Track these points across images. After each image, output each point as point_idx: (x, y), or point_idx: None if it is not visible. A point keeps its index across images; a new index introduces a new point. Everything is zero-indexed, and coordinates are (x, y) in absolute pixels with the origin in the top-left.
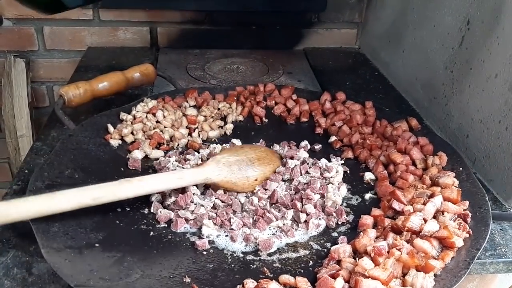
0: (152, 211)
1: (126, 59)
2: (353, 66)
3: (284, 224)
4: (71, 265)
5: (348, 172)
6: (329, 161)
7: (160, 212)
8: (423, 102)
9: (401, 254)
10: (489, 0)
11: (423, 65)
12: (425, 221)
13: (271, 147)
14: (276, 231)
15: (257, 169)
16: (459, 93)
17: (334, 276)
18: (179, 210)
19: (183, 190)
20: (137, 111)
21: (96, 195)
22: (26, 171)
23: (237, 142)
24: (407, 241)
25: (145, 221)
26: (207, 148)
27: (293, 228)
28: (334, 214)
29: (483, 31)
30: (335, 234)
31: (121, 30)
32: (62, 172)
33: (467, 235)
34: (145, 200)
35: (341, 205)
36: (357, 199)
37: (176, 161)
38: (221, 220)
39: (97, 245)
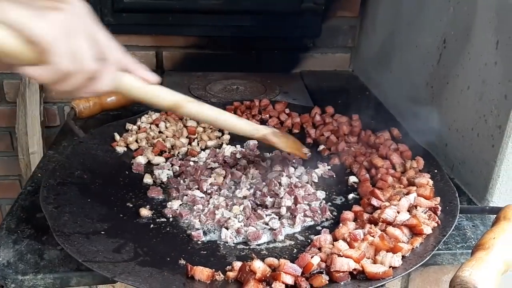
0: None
1: None
2: (345, 86)
3: (273, 220)
4: (79, 246)
5: (334, 176)
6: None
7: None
8: (407, 116)
9: (374, 238)
10: (462, 20)
11: (407, 82)
12: (399, 213)
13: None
14: (264, 229)
15: (291, 138)
16: (438, 106)
17: (312, 256)
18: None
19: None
20: (142, 122)
21: (188, 99)
22: (39, 175)
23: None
24: (382, 230)
25: (146, 215)
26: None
27: (282, 226)
28: (319, 211)
29: (456, 48)
30: (319, 228)
31: (129, 54)
32: (73, 173)
33: (436, 225)
34: (147, 198)
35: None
36: (341, 199)
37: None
38: (218, 218)
39: (102, 232)
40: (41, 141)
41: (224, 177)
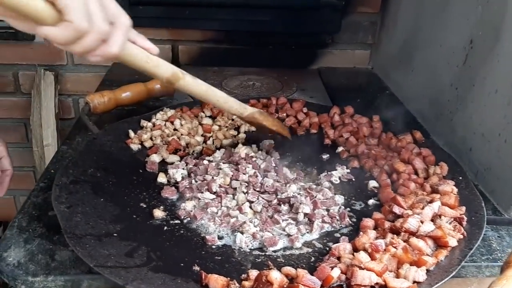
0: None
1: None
2: (364, 85)
3: (290, 225)
4: (91, 249)
5: (353, 180)
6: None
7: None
8: (429, 118)
9: (397, 250)
10: (490, 21)
11: (430, 83)
12: (422, 223)
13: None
14: (281, 235)
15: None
16: (463, 109)
17: (332, 268)
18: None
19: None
20: (157, 119)
21: (184, 72)
22: (52, 170)
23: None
24: (404, 241)
25: (159, 216)
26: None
27: (299, 235)
28: (337, 217)
29: (484, 49)
30: (337, 235)
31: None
32: (86, 170)
33: (462, 237)
34: (161, 199)
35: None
36: (360, 205)
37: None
38: (233, 222)
39: (115, 234)
40: (55, 134)
41: (235, 179)
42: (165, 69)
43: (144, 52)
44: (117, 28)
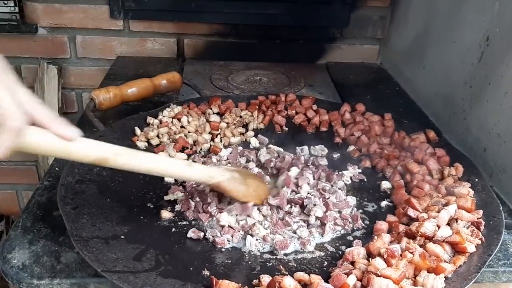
0: (207, 236)
1: (153, 68)
2: (374, 80)
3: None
4: (98, 253)
5: (365, 180)
6: (347, 169)
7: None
8: (442, 116)
9: (413, 256)
10: (509, 16)
11: (443, 80)
12: (439, 227)
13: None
14: (292, 238)
15: (255, 182)
16: (478, 108)
17: (347, 274)
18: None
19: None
20: (164, 116)
21: (117, 151)
22: (56, 168)
23: (254, 141)
24: (420, 246)
25: (167, 217)
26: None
27: (311, 234)
28: (350, 219)
29: (502, 47)
30: (350, 238)
31: (150, 40)
32: (91, 169)
33: (480, 242)
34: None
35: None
36: (373, 206)
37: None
38: (242, 224)
39: (122, 237)
40: None
41: None
42: (87, 155)
43: (56, 140)
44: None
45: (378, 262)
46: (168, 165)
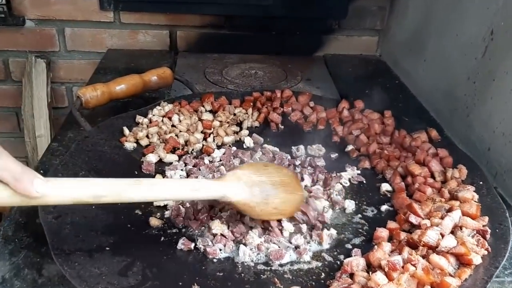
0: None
1: (145, 61)
2: (373, 74)
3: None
4: (80, 268)
5: (364, 182)
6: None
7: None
8: (444, 112)
9: (416, 270)
10: None
11: (444, 74)
12: (442, 236)
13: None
14: (287, 247)
15: (279, 197)
16: (481, 105)
17: None
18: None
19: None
20: (153, 115)
21: (98, 193)
22: (41, 171)
23: (248, 141)
24: (423, 257)
25: (156, 225)
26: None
27: (307, 246)
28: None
29: (507, 41)
30: (349, 246)
31: (141, 33)
32: (77, 173)
33: (486, 252)
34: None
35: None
36: (372, 211)
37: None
38: (234, 234)
39: (107, 248)
40: (48, 124)
41: None
42: (58, 201)
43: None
44: None
45: (378, 277)
46: (167, 195)
